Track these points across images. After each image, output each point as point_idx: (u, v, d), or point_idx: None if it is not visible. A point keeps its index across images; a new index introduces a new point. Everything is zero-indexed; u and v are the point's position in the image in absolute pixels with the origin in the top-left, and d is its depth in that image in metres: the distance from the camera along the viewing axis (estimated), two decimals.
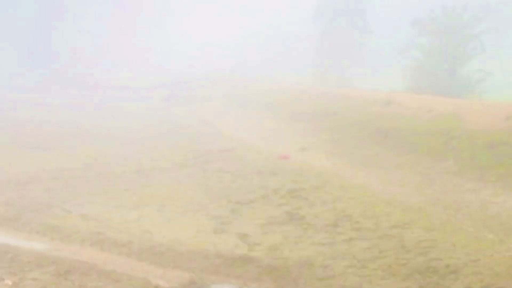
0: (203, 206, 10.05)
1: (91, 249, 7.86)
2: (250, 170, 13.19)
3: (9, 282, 6.50)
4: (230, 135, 19.71)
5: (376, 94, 21.56)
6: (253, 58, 48.44)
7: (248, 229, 8.69)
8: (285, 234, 8.41)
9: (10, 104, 29.98)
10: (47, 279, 6.68)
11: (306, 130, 19.45)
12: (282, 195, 10.68)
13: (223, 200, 10.43)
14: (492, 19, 30.80)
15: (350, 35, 38.14)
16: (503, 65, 34.55)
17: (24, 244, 8.00)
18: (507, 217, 8.83)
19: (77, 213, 9.62)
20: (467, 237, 7.99)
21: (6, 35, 46.22)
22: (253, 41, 50.99)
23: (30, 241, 8.19)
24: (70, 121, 24.10)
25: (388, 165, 13.29)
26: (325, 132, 18.22)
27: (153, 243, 8.02)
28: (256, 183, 11.80)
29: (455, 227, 8.52)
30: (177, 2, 52.91)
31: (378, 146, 15.18)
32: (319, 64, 39.24)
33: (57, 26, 47.38)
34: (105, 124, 23.18)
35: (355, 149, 15.40)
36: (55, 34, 47.24)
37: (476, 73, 28.46)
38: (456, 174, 11.72)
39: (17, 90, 37.89)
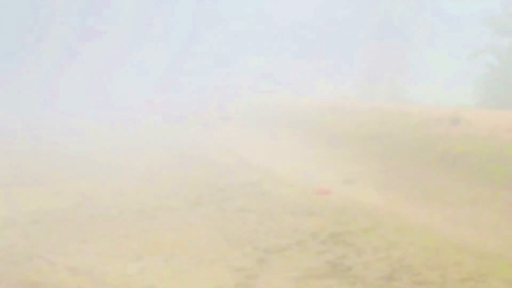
0: (222, 256, 10.03)
1: None
2: (281, 209, 13.17)
3: None
4: (255, 165, 19.75)
5: (440, 110, 21.48)
6: (281, 66, 48.68)
7: (280, 284, 8.64)
8: None
9: None
10: None
11: (351, 157, 19.41)
12: (322, 241, 10.63)
13: (247, 248, 10.40)
14: None
15: (406, 35, 38.25)
16: None
17: None
18: None
19: (64, 265, 9.66)
20: None
21: None
22: (280, 46, 51.26)
23: None
24: (56, 148, 24.36)
25: (456, 201, 13.17)
26: (375, 159, 18.16)
27: None
28: (289, 225, 11.77)
29: None
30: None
31: (443, 176, 15.08)
32: (366, 72, 39.32)
33: None
34: (99, 151, 23.38)
35: (414, 181, 15.31)
36: None
37: None
38: None
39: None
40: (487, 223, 11.37)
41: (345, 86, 39.08)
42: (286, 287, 8.51)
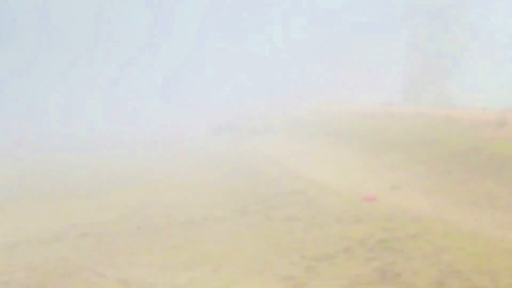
0: (270, 265, 10.03)
1: None
2: (328, 216, 13.13)
3: None
4: (300, 173, 19.71)
5: (486, 114, 21.22)
6: (324, 74, 48.56)
7: None
8: None
9: (39, 146, 31.00)
10: None
11: (396, 163, 19.26)
12: (370, 248, 10.57)
13: (295, 256, 10.39)
14: None
15: (451, 40, 37.90)
16: None
17: None
18: None
19: (113, 277, 9.75)
20: None
21: None
22: (322, 53, 51.14)
23: None
24: (103, 164, 24.63)
25: (505, 205, 12.99)
26: (421, 165, 18.00)
27: None
28: (336, 233, 11.73)
29: None
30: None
31: (491, 181, 14.88)
32: (410, 78, 39.01)
33: None
34: (145, 165, 23.57)
35: (462, 185, 15.14)
36: None
37: None
38: None
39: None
40: None
41: (390, 92, 38.86)
42: None
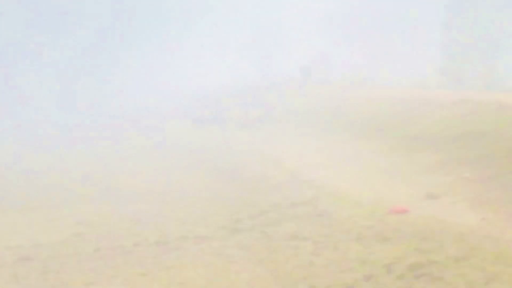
0: None
1: None
2: (344, 234, 13.07)
3: None
4: (307, 177, 19.70)
5: None
6: (340, 51, 48.76)
7: None
8: None
9: None
10: None
11: (433, 164, 19.26)
12: (399, 274, 10.50)
13: (301, 286, 10.34)
14: None
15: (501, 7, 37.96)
16: None
17: None
18: None
19: None
20: None
21: None
22: (339, 26, 51.42)
23: None
24: (53, 164, 24.60)
25: None
26: (466, 167, 17.99)
27: None
28: (355, 255, 11.67)
29: None
30: None
31: None
32: (450, 55, 39.09)
33: None
34: (107, 165, 23.55)
35: None
36: None
37: None
38: None
39: None
40: None
41: (425, 72, 38.93)
42: None
